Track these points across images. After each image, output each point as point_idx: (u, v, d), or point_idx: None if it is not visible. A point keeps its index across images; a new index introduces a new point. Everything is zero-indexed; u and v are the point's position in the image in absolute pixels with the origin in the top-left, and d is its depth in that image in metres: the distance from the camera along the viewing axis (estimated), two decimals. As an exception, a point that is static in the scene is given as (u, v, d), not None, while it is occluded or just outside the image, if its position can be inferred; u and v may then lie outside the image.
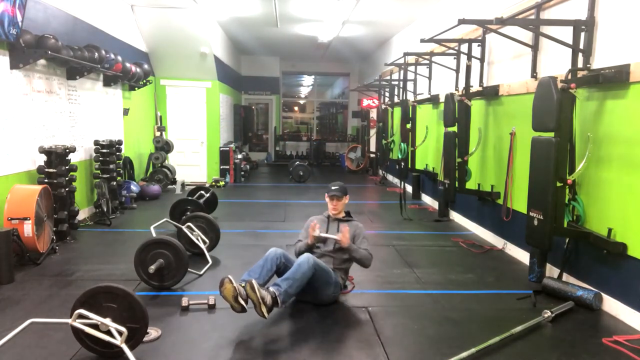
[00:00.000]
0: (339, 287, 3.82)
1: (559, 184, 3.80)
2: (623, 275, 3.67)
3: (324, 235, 3.86)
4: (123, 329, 2.67)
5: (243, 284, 3.27)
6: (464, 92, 6.10)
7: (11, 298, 3.82)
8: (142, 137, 9.32)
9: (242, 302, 3.21)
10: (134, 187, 7.73)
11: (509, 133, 5.30)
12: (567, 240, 4.22)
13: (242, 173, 11.11)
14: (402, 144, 8.55)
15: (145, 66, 8.39)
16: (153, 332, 3.20)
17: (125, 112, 8.19)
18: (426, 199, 8.72)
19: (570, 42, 4.10)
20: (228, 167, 10.57)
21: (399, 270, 4.76)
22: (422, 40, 6.10)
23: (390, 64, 9.23)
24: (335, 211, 4.03)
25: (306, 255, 3.56)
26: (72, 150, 5.60)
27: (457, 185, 6.01)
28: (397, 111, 9.99)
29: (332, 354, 3.09)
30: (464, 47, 6.22)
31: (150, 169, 9.36)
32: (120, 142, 7.16)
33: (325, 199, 4.07)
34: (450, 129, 6.15)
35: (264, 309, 3.16)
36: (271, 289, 3.31)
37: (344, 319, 3.64)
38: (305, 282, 3.46)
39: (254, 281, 3.20)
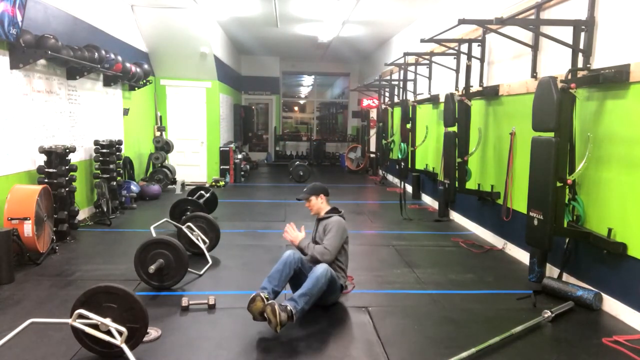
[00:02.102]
0: (340, 290, 3.83)
1: (559, 184, 3.80)
2: (623, 275, 3.67)
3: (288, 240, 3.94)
4: (123, 329, 2.67)
5: (266, 295, 3.31)
6: (464, 92, 6.10)
7: (11, 298, 3.82)
8: (142, 137, 9.32)
9: (265, 316, 3.22)
10: (134, 187, 7.73)
11: (509, 133, 5.30)
12: (567, 240, 4.22)
13: (242, 173, 11.11)
14: (402, 144, 8.55)
15: (145, 66, 8.39)
16: (153, 332, 3.21)
17: (125, 112, 8.19)
18: (426, 199, 8.72)
19: (570, 42, 4.10)
20: (228, 167, 10.57)
21: (399, 270, 4.76)
22: (422, 40, 6.10)
23: (390, 64, 9.23)
24: (311, 212, 4.08)
25: (324, 267, 3.48)
26: (72, 150, 5.60)
27: (457, 185, 6.01)
28: (397, 111, 9.99)
29: (332, 353, 3.09)
30: (464, 47, 6.22)
31: (150, 169, 9.36)
32: (120, 142, 7.16)
33: None
34: (450, 129, 6.15)
35: (279, 329, 3.18)
36: (289, 307, 3.24)
37: (344, 319, 3.64)
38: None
39: (276, 306, 3.17)
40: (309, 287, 3.36)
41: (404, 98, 8.99)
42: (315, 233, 3.97)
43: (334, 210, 4.07)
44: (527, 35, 4.93)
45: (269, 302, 3.22)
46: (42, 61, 5.41)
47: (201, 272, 4.44)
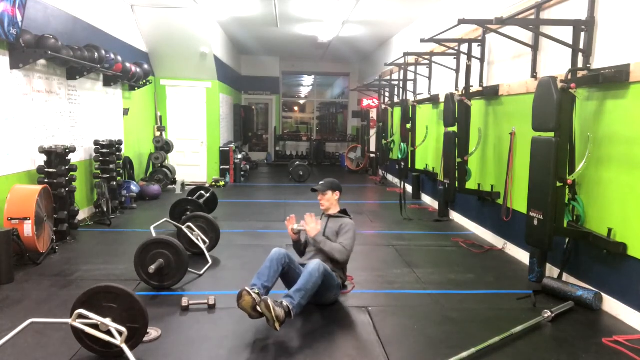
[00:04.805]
0: (339, 288, 3.83)
1: (559, 184, 3.80)
2: (623, 275, 3.67)
3: (296, 227, 3.92)
4: (123, 329, 2.67)
5: (257, 291, 3.28)
6: (464, 92, 6.10)
7: (11, 298, 3.82)
8: (142, 137, 9.32)
9: (260, 311, 3.19)
10: (134, 187, 7.73)
11: (509, 133, 5.30)
12: (567, 240, 4.22)
13: (242, 173, 11.11)
14: (402, 144, 8.55)
15: (145, 66, 8.39)
16: (153, 332, 3.21)
17: (125, 112, 8.19)
18: (426, 199, 8.72)
19: (570, 42, 4.10)
20: (228, 167, 10.58)
21: (399, 270, 4.76)
22: (422, 40, 6.10)
23: (390, 64, 9.23)
24: (322, 206, 4.06)
25: (317, 262, 3.50)
26: (72, 150, 5.60)
27: (457, 185, 6.02)
28: (397, 111, 9.99)
29: (332, 353, 3.09)
30: (464, 47, 6.22)
31: (150, 169, 9.36)
32: (120, 142, 7.16)
33: None
34: (450, 129, 6.15)
35: (277, 325, 3.15)
36: (285, 302, 3.26)
37: (344, 319, 3.64)
38: (316, 291, 3.47)
39: (269, 300, 3.15)
40: (303, 282, 3.38)
41: (404, 98, 8.99)
42: (326, 229, 3.94)
43: (344, 212, 4.11)
44: (527, 35, 4.93)
45: (263, 297, 3.20)
46: (42, 61, 5.41)
47: (201, 272, 4.44)
